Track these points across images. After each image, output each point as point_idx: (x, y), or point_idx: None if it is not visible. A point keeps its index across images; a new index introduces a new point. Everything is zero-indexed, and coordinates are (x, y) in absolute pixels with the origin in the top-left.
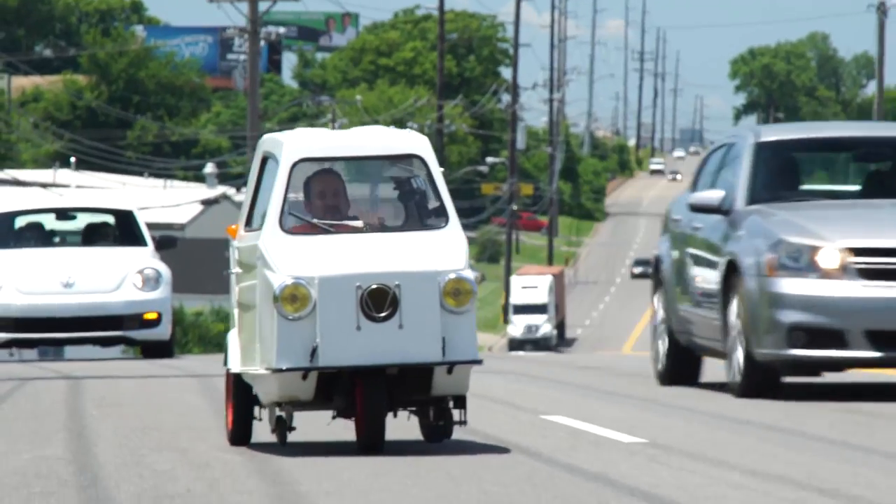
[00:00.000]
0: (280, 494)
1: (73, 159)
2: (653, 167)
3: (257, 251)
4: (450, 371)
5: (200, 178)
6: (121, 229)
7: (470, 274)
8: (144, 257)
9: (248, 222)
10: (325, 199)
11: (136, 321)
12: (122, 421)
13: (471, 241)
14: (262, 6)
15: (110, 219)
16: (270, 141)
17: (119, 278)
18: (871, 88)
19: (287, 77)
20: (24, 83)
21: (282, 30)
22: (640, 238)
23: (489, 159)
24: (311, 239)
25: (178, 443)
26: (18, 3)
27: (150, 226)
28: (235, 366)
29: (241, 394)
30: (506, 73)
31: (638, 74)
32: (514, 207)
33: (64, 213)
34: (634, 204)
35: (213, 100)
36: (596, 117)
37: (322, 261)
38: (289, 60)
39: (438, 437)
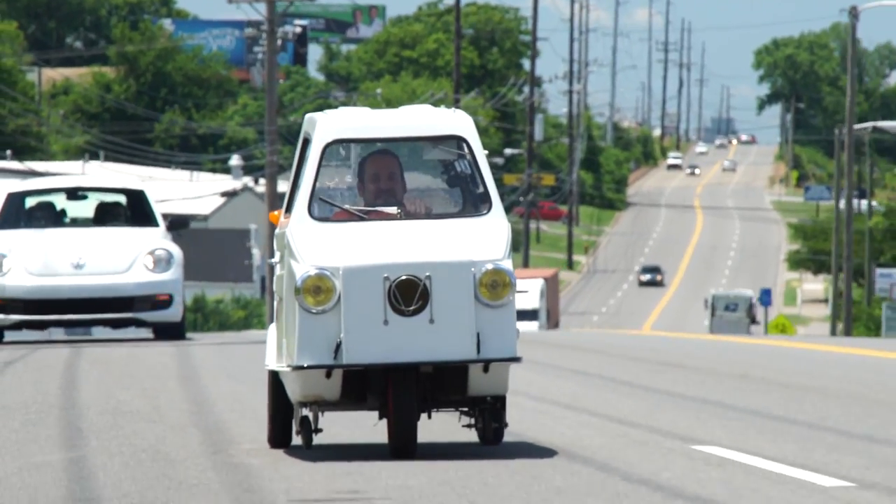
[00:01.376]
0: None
1: (101, 153)
2: (670, 162)
3: (284, 239)
4: (486, 369)
5: (227, 171)
6: (132, 209)
7: (509, 265)
8: (156, 238)
9: (289, 208)
10: (378, 183)
11: (148, 302)
12: (105, 372)
13: None
14: (280, 6)
15: (122, 199)
16: (309, 121)
17: (130, 259)
18: (893, 78)
19: (312, 69)
20: (54, 75)
21: (298, 29)
22: (660, 228)
23: (508, 150)
24: (340, 227)
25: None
26: None
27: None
28: (271, 362)
29: (277, 393)
30: (528, 65)
31: (664, 66)
32: (531, 198)
33: (75, 193)
34: (656, 194)
35: (241, 92)
36: (618, 108)
37: (349, 250)
38: (316, 52)
39: (489, 440)
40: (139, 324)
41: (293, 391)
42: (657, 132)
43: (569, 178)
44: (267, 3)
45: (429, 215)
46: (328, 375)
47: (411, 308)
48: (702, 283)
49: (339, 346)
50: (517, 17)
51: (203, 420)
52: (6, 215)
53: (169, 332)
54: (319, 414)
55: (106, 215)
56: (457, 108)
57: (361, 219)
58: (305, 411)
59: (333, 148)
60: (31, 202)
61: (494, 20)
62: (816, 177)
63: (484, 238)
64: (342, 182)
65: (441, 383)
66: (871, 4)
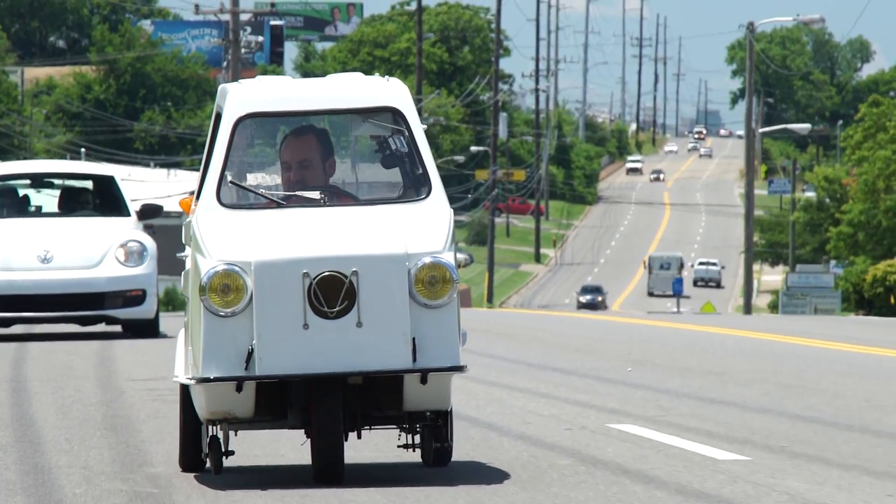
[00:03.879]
0: None
1: (83, 150)
2: (630, 165)
3: (190, 230)
4: (423, 381)
5: None
6: (101, 197)
7: (450, 258)
8: (128, 228)
9: (199, 194)
10: (299, 164)
11: (120, 299)
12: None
13: (462, 224)
14: (263, 4)
15: (89, 185)
16: (221, 92)
17: (101, 252)
18: (864, 72)
19: (289, 69)
20: (37, 74)
21: (260, 38)
22: (628, 222)
23: (473, 148)
24: (253, 215)
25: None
26: None
27: None
28: (179, 374)
29: (189, 408)
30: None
31: (642, 61)
32: (495, 194)
33: (40, 180)
34: (628, 188)
35: None
36: (590, 104)
37: (262, 242)
38: (292, 52)
39: (435, 461)
40: (110, 321)
41: (200, 407)
42: (633, 127)
43: (537, 172)
44: (231, 15)
45: (357, 201)
46: (239, 389)
47: (335, 309)
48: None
49: (250, 354)
50: (488, 15)
51: (116, 433)
52: None
53: (142, 330)
54: (233, 433)
55: (72, 203)
56: (418, 108)
57: (279, 206)
58: (216, 430)
59: (249, 123)
60: None
61: (464, 19)
62: (786, 171)
63: (421, 227)
64: (264, 164)
65: (372, 397)
66: (766, 20)
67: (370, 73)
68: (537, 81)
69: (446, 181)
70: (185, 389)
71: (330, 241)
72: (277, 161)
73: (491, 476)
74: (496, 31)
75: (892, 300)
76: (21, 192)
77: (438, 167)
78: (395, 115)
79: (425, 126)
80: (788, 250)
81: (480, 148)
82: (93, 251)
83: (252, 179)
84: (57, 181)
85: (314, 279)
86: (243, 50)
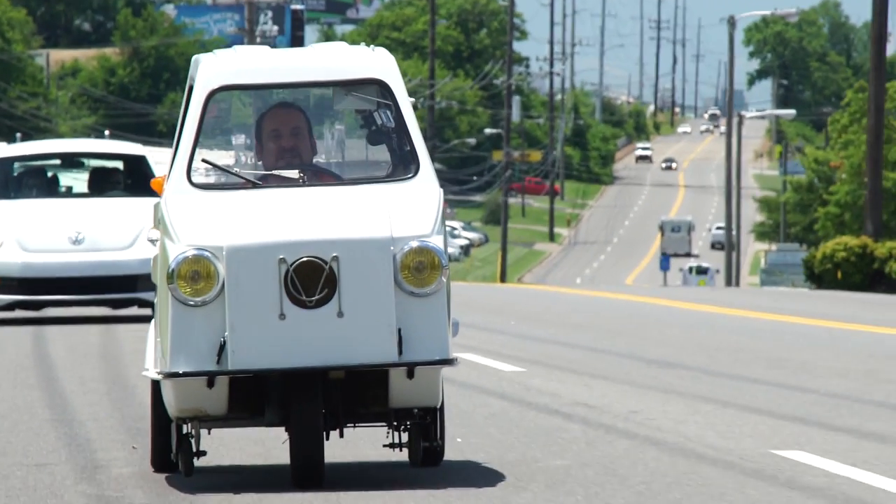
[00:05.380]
0: None
1: (107, 132)
2: (639, 153)
3: (159, 212)
4: (410, 375)
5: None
6: (132, 177)
7: (439, 242)
8: None
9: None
10: (278, 142)
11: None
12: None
13: (478, 204)
14: None
15: (119, 165)
16: (194, 63)
17: (133, 234)
18: None
19: None
20: (63, 57)
21: (276, 29)
22: (642, 202)
23: (487, 130)
24: (227, 196)
25: None
26: None
27: None
28: (150, 368)
29: (160, 405)
30: (516, 45)
31: (664, 45)
32: (509, 175)
33: (70, 160)
34: (644, 168)
35: None
36: (607, 86)
37: (236, 225)
38: (313, 36)
39: (425, 461)
40: (142, 304)
41: (169, 404)
42: (652, 109)
43: (550, 154)
44: (247, 5)
45: (339, 180)
46: (210, 384)
47: (314, 298)
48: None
49: (223, 347)
50: None
51: (78, 425)
52: None
53: None
54: (207, 431)
55: (103, 183)
56: (430, 92)
57: (255, 186)
58: (188, 428)
59: (222, 97)
60: (20, 169)
61: (482, 2)
62: (802, 151)
63: (408, 208)
64: (240, 141)
65: (356, 393)
66: (746, 14)
67: None
68: (552, 65)
69: (462, 163)
70: (156, 384)
71: (309, 224)
72: (253, 138)
73: (485, 478)
74: (510, 15)
75: (839, 275)
76: (49, 173)
77: (452, 149)
78: (382, 87)
79: (411, 100)
80: (796, 229)
81: (494, 130)
82: (125, 232)
83: (226, 158)
84: (86, 161)
85: (291, 265)
86: (259, 39)
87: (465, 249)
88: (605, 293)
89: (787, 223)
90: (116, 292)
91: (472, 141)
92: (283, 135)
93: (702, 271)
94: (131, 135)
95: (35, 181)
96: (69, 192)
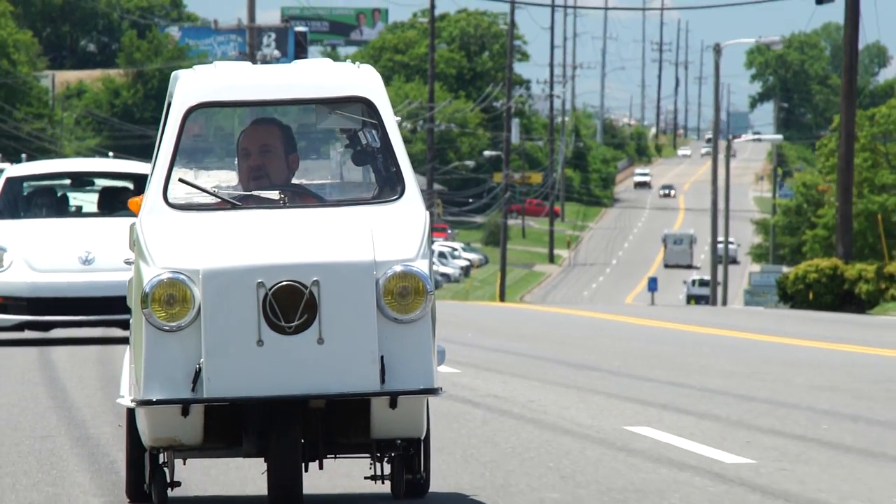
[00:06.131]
0: None
1: (110, 154)
2: (637, 179)
3: (134, 233)
4: (393, 405)
5: None
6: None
7: (424, 266)
8: None
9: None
10: (257, 161)
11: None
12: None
13: (478, 226)
14: (288, 10)
15: (129, 184)
16: (173, 79)
17: None
18: (882, 77)
19: None
20: (68, 78)
21: (277, 53)
22: (642, 224)
23: (487, 152)
24: (204, 217)
25: None
26: (63, 0)
27: None
28: (124, 395)
29: (134, 432)
30: (517, 68)
31: (666, 66)
32: (509, 196)
33: (80, 179)
34: (644, 191)
35: None
36: (608, 109)
37: (212, 247)
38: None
39: (408, 494)
40: None
41: (143, 433)
42: (653, 131)
43: (550, 176)
44: (248, 29)
45: (321, 201)
46: (185, 413)
47: (294, 324)
48: (672, 273)
49: (198, 374)
50: (506, 23)
51: (75, 410)
52: (5, 203)
53: None
54: (182, 462)
55: (113, 203)
56: (429, 115)
57: (233, 207)
58: (164, 458)
59: (200, 114)
60: (29, 188)
61: (483, 26)
62: (792, 175)
63: (392, 231)
64: (218, 160)
65: (337, 423)
66: (731, 42)
67: (391, 79)
68: (552, 88)
69: (463, 184)
70: (131, 412)
71: (288, 246)
72: (234, 157)
73: None
74: (509, 37)
75: (811, 296)
76: (59, 192)
77: (453, 170)
78: (367, 105)
79: (398, 119)
80: (789, 251)
81: (495, 152)
82: None
83: (204, 177)
84: (95, 181)
85: (270, 289)
86: (260, 62)
87: (466, 270)
88: (575, 311)
89: (776, 245)
90: (126, 313)
91: (470, 163)
92: (252, 153)
93: (703, 283)
94: (135, 157)
95: (44, 201)
96: (79, 212)
